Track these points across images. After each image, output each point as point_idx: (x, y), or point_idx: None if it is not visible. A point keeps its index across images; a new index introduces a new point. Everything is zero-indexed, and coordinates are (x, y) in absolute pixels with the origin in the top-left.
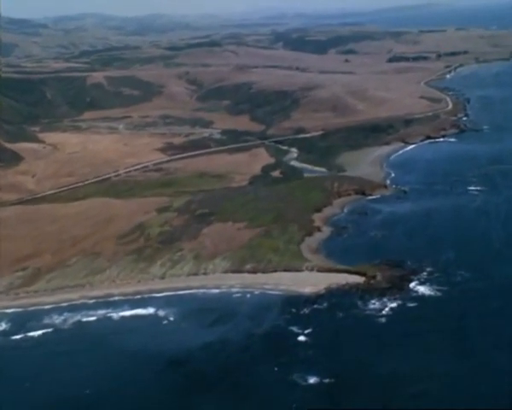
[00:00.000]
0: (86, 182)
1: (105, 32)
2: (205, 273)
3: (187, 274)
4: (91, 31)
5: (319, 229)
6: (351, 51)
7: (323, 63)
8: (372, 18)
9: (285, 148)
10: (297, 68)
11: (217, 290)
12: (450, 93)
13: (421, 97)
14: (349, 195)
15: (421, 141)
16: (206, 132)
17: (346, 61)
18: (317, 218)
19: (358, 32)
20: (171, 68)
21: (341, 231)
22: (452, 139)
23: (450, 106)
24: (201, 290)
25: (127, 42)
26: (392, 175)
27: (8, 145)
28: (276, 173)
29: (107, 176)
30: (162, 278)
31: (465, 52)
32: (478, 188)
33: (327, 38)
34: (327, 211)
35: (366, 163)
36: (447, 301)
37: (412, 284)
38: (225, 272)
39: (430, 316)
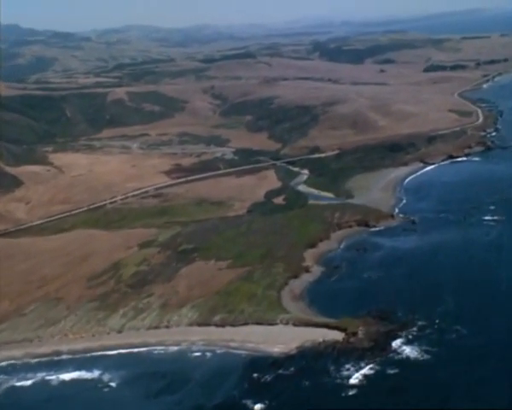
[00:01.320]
0: (79, 210)
1: (148, 45)
2: (167, 326)
3: (147, 327)
4: (134, 43)
5: (308, 269)
6: (388, 61)
7: (357, 74)
8: (417, 25)
9: (296, 169)
10: (329, 80)
11: (176, 348)
12: (484, 105)
13: (450, 111)
14: (350, 227)
15: (442, 161)
16: (219, 152)
17: (382, 71)
18: (310, 255)
19: (398, 40)
20: (202, 81)
21: (333, 271)
22: (476, 158)
23: (481, 120)
24: (158, 348)
25: (168, 53)
26: (404, 202)
27: (10, 169)
28: (278, 200)
29: (103, 203)
30: (119, 331)
31: (505, 60)
32: (495, 217)
33: (365, 47)
34: (322, 246)
35: (378, 187)
36: (433, 367)
37: (398, 343)
38: (190, 324)
39: (409, 387)
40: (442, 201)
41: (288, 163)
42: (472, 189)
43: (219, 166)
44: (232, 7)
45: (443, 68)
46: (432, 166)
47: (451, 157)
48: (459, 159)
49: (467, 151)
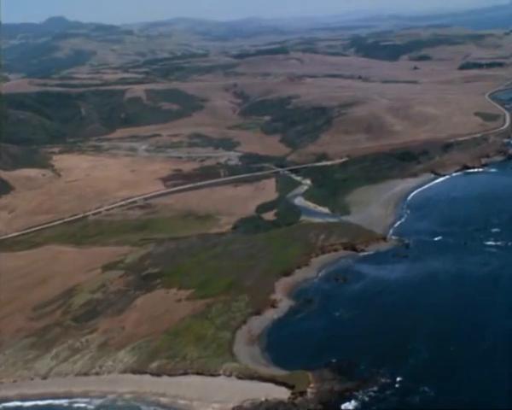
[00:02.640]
0: (61, 221)
1: (189, 38)
2: (98, 373)
3: (76, 373)
4: (175, 37)
5: (274, 304)
6: (424, 57)
7: (389, 71)
8: (464, 19)
9: (299, 178)
10: (359, 77)
11: (100, 401)
12: None
13: (476, 113)
14: (336, 250)
15: (455, 172)
16: (225, 157)
17: (415, 68)
18: (282, 285)
19: (439, 35)
20: (229, 78)
21: (302, 307)
22: (493, 170)
23: (507, 124)
24: (82, 401)
25: (208, 47)
26: (402, 220)
27: (3, 173)
28: (269, 215)
29: (87, 214)
30: (44, 377)
31: None
32: (498, 243)
33: (403, 42)
34: (299, 274)
35: (379, 202)
36: None
37: (351, 407)
38: (124, 371)
39: None
40: (445, 220)
41: (292, 171)
42: (480, 206)
43: (220, 173)
44: (283, 0)
45: (479, 66)
46: (443, 178)
47: (466, 168)
48: (474, 170)
49: (484, 161)
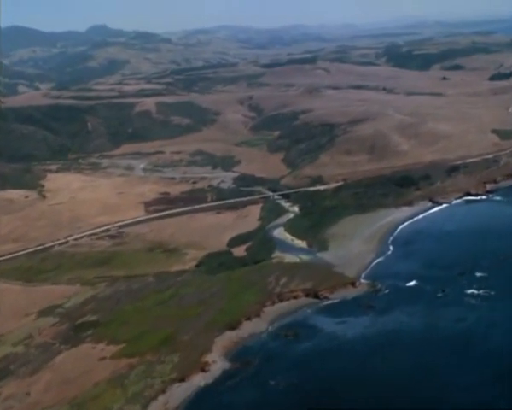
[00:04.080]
0: (24, 251)
1: (228, 46)
2: None
3: None
4: (213, 45)
5: (205, 367)
6: (457, 67)
7: (416, 82)
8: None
9: (287, 205)
10: (384, 89)
11: None
12: None
13: (494, 131)
14: (295, 298)
15: (456, 199)
16: (219, 178)
17: (444, 78)
18: (222, 342)
19: (477, 43)
20: (253, 88)
21: (236, 371)
22: (498, 198)
23: None
24: None
25: (245, 56)
26: (381, 259)
27: None
28: (239, 250)
29: (54, 243)
30: None
31: None
32: (481, 291)
33: (438, 50)
34: (245, 328)
35: (362, 236)
36: None
37: None
38: None
39: None
40: (429, 260)
41: (283, 196)
42: (473, 243)
43: (207, 197)
44: (327, 7)
45: (510, 76)
46: (440, 207)
47: (468, 195)
48: (477, 197)
49: (490, 187)
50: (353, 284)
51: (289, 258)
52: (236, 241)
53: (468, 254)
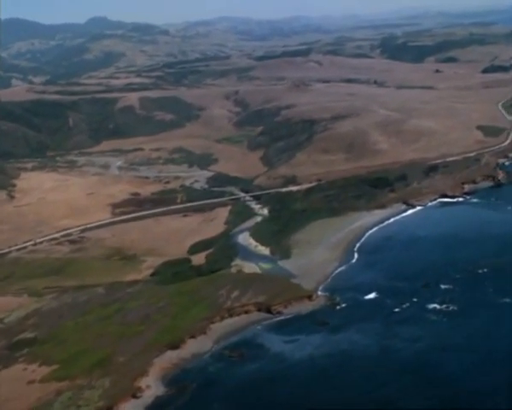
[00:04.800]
0: None
1: (226, 38)
2: None
3: None
4: (212, 37)
5: (137, 393)
6: (451, 59)
7: (409, 75)
8: None
9: (257, 207)
10: (375, 82)
11: None
12: None
13: (479, 127)
14: (246, 313)
15: (431, 201)
16: (194, 177)
17: (437, 71)
18: (162, 363)
19: (474, 34)
20: (243, 82)
21: (170, 398)
22: (475, 200)
23: (509, 141)
24: None
25: (243, 48)
26: (343, 268)
27: None
28: (199, 258)
29: (11, 249)
30: None
31: None
32: (443, 306)
33: (434, 42)
34: (189, 347)
35: (328, 243)
36: None
37: None
38: None
39: None
40: (394, 270)
41: (255, 197)
42: (443, 251)
43: (177, 198)
44: None
45: (503, 69)
46: (414, 210)
47: (445, 196)
48: (454, 199)
49: (467, 188)
50: (310, 298)
51: (249, 267)
52: (198, 247)
53: (437, 264)
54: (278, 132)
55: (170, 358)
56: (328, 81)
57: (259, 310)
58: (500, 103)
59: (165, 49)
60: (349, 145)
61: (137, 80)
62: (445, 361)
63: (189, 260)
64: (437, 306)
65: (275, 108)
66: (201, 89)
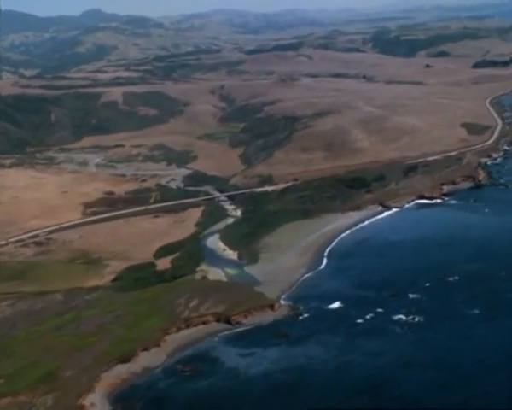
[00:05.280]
0: None
1: (220, 31)
2: None
3: None
4: (206, 30)
5: None
6: (442, 53)
7: (399, 70)
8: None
9: (230, 208)
10: (364, 77)
11: None
12: None
13: (463, 125)
14: (204, 323)
15: (408, 203)
16: (170, 176)
17: (427, 66)
18: (110, 378)
19: (467, 28)
20: (232, 76)
21: None
22: (453, 201)
23: (493, 139)
24: None
25: (237, 41)
26: (310, 275)
27: None
28: (164, 262)
29: None
30: None
31: None
32: (409, 318)
33: (426, 36)
34: (141, 360)
35: (298, 247)
36: None
37: None
38: None
39: None
40: (363, 277)
41: (229, 198)
42: (415, 257)
43: (150, 198)
44: None
45: (494, 64)
46: (390, 212)
47: (422, 198)
48: (432, 201)
49: (446, 189)
50: (272, 307)
51: (214, 272)
52: (165, 251)
53: (407, 271)
54: (259, 129)
55: (119, 372)
56: (316, 76)
57: (218, 320)
58: (488, 100)
59: (159, 42)
60: (328, 143)
61: (125, 74)
62: (405, 378)
63: (153, 265)
64: (403, 317)
65: (259, 103)
66: (188, 83)
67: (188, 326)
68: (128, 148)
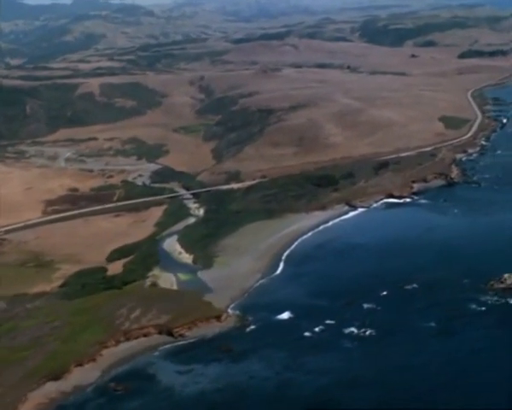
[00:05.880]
0: None
1: (214, 19)
2: None
3: None
4: (198, 18)
5: None
6: (430, 43)
7: (384, 59)
8: None
9: (193, 207)
10: (348, 67)
11: None
12: (493, 109)
13: (441, 118)
14: (146, 335)
15: (376, 202)
16: (139, 171)
17: (413, 56)
18: (38, 397)
19: (457, 17)
20: (216, 66)
21: None
22: (423, 201)
23: (471, 133)
24: None
25: (227, 29)
26: (264, 281)
27: None
28: (117, 266)
29: None
30: None
31: None
32: (361, 331)
33: (414, 25)
34: (73, 377)
35: (257, 250)
36: None
37: None
38: None
39: None
40: (318, 284)
41: (194, 196)
42: (376, 262)
43: (114, 195)
44: None
45: (480, 54)
46: (356, 213)
47: (391, 197)
48: (401, 200)
49: (417, 187)
50: (218, 318)
51: (165, 278)
52: (119, 253)
53: (365, 277)
54: (233, 123)
55: (48, 391)
56: (300, 66)
57: (160, 333)
58: (470, 92)
59: (148, 30)
60: (300, 138)
61: (108, 64)
62: (349, 400)
63: (104, 270)
64: (354, 330)
65: (237, 95)
66: (170, 74)
67: (127, 339)
68: (101, 141)
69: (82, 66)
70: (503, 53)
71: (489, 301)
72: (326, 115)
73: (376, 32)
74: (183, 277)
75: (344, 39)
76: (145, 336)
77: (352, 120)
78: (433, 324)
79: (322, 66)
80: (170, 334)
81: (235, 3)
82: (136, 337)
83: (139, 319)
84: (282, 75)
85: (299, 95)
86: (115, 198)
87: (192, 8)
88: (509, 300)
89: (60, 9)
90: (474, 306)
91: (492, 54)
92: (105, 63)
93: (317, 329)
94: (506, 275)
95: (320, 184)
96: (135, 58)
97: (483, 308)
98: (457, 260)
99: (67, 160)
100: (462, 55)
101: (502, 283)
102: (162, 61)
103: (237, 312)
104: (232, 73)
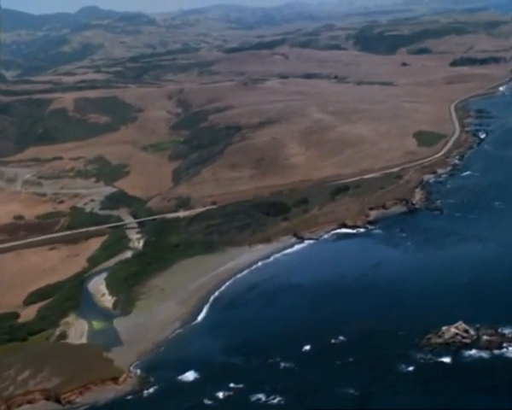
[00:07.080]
0: None
1: (215, 27)
2: None
3: None
4: (199, 26)
5: None
6: (424, 50)
7: (374, 69)
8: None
9: (135, 237)
10: (335, 77)
11: None
12: (474, 122)
13: (416, 134)
14: (31, 402)
15: (327, 233)
16: (91, 196)
17: (404, 64)
18: None
19: (456, 22)
20: (203, 77)
21: None
22: (378, 231)
23: (444, 151)
24: None
25: (228, 38)
26: (181, 331)
27: None
28: (31, 311)
29: None
30: None
31: None
32: (271, 398)
33: (410, 32)
34: None
35: (184, 292)
36: None
37: None
38: None
39: None
40: (237, 337)
41: (140, 225)
42: (305, 309)
43: (59, 224)
44: None
45: (472, 62)
46: (302, 245)
47: (344, 226)
48: (354, 230)
49: (374, 215)
50: (116, 380)
51: (78, 326)
52: (37, 296)
53: (291, 327)
54: (199, 140)
55: None
56: (287, 77)
57: (48, 399)
58: (454, 103)
59: (147, 39)
60: (259, 159)
61: (92, 77)
62: None
63: (16, 316)
64: (262, 397)
65: (213, 109)
66: (152, 87)
67: (9, 408)
68: (66, 161)
69: (66, 79)
70: (496, 60)
71: (421, 360)
72: (293, 132)
73: (371, 40)
74: (97, 325)
75: (338, 47)
76: (30, 403)
77: (318, 138)
78: (351, 389)
79: (309, 76)
80: (57, 401)
81: (240, 10)
82: (19, 405)
83: (26, 383)
84: (264, 87)
85: (272, 109)
86: (58, 227)
87: (196, 15)
88: (442, 358)
89: (63, 19)
90: (402, 365)
91: (484, 61)
92: (90, 76)
93: (220, 394)
94: (444, 328)
95: (269, 213)
96: (123, 70)
97: (411, 368)
98: (398, 307)
99: (25, 182)
100: (454, 63)
101: (439, 337)
102: (150, 72)
103: (139, 371)
104: (211, 86)
